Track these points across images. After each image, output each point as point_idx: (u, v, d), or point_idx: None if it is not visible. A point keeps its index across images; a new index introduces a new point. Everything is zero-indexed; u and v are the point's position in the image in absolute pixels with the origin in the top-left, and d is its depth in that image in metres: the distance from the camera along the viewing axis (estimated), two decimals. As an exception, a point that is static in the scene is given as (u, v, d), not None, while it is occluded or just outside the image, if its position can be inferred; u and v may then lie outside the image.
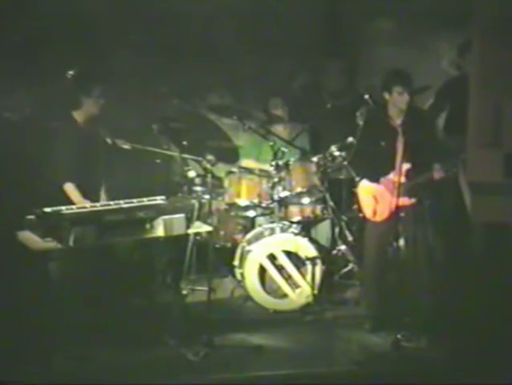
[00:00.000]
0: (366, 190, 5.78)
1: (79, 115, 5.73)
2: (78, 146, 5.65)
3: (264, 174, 6.49)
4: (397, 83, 5.52)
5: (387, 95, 5.60)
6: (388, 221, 5.62)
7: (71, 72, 5.83)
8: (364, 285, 6.07)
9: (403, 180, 5.45)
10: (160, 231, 5.20)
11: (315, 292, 6.10)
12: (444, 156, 5.50)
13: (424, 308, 5.59)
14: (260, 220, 6.75)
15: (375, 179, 5.70)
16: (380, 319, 5.72)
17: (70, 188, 5.60)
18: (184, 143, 6.72)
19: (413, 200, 5.58)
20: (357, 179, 5.94)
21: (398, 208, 5.46)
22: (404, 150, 5.49)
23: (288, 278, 6.19)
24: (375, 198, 5.69)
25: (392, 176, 5.58)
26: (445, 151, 5.61)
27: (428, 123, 5.88)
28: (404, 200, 5.54)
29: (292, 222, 6.47)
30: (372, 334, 5.68)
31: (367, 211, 5.76)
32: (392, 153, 5.51)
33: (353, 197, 6.37)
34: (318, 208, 6.58)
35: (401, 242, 5.78)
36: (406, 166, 5.48)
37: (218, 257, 6.44)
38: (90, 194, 5.64)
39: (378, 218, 5.68)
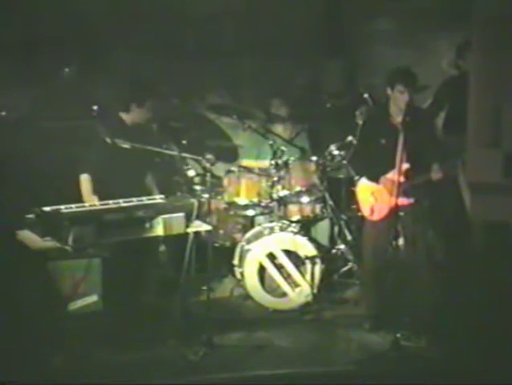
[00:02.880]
0: (365, 189, 5.78)
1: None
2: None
3: (263, 173, 6.49)
4: (400, 82, 5.49)
5: (389, 91, 5.59)
6: (387, 221, 5.62)
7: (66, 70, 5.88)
8: (364, 284, 6.08)
9: (402, 179, 5.44)
10: (159, 230, 5.20)
11: (315, 291, 6.11)
12: (443, 155, 5.50)
13: (423, 307, 5.59)
14: (259, 219, 6.76)
15: (374, 178, 5.70)
16: (380, 318, 5.72)
17: (85, 180, 5.72)
18: (184, 142, 6.74)
19: (412, 200, 5.58)
20: (356, 178, 5.95)
21: (397, 207, 5.46)
22: (404, 149, 5.48)
23: (287, 277, 6.20)
24: (373, 197, 5.70)
25: (391, 174, 5.58)
26: (444, 151, 5.61)
27: (428, 122, 5.87)
28: (403, 200, 5.53)
29: (291, 221, 6.48)
30: (372, 333, 5.68)
31: (366, 210, 5.77)
32: (393, 151, 5.49)
33: (352, 196, 6.37)
34: (318, 208, 6.59)
35: (400, 242, 5.77)
36: (406, 165, 5.48)
37: (218, 257, 6.44)
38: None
39: (376, 217, 5.69)
